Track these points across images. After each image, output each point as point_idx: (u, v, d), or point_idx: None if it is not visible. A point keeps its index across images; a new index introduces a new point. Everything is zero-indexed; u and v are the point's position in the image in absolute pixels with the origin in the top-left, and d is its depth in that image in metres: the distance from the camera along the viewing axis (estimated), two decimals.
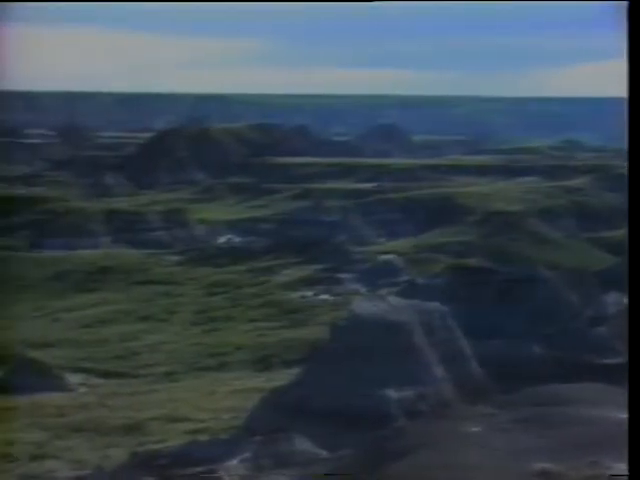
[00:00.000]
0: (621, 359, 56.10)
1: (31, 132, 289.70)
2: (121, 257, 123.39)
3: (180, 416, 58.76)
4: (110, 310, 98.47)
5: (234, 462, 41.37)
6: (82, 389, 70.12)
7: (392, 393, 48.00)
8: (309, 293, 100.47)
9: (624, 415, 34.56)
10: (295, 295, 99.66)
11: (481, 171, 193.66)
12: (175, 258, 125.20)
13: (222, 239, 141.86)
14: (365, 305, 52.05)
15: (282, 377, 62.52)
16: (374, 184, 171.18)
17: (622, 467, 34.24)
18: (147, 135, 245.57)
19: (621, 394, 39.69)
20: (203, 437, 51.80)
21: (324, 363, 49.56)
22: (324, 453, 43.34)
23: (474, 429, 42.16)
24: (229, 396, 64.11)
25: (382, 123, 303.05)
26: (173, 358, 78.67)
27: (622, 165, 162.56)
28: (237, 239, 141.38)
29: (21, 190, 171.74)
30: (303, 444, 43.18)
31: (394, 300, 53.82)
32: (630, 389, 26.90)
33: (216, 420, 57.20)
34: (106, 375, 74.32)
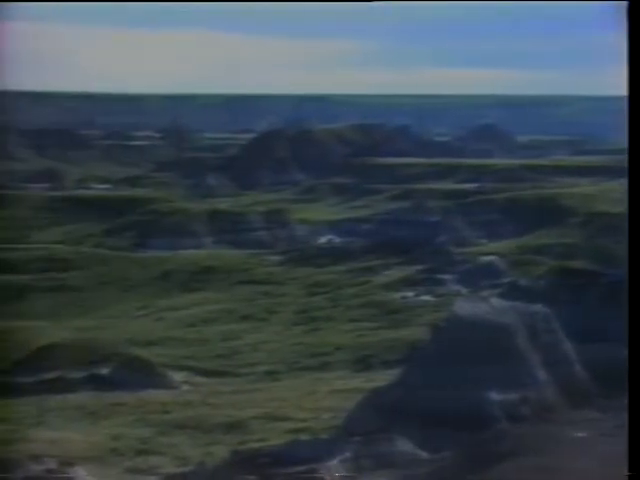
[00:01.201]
0: None
1: (137, 134, 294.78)
2: (223, 257, 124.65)
3: (281, 415, 59.12)
4: (212, 309, 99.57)
5: (334, 462, 41.47)
6: (185, 387, 71.07)
7: (494, 395, 47.55)
8: (410, 294, 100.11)
9: None
10: (396, 296, 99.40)
11: (585, 172, 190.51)
12: (276, 258, 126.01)
13: (323, 239, 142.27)
14: (466, 306, 51.67)
15: (382, 377, 62.43)
16: (476, 185, 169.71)
17: None
18: (249, 136, 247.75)
19: None
20: (304, 436, 52.04)
21: (425, 364, 49.35)
22: (425, 454, 43.14)
23: (579, 434, 41.51)
24: (329, 396, 64.24)
25: (483, 123, 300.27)
26: (274, 357, 79.18)
27: None
28: (338, 239, 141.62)
29: (127, 191, 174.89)
30: (404, 445, 43.06)
31: (496, 302, 53.31)
32: (630, 389, 26.65)
33: (316, 420, 57.39)
34: (208, 373, 75.18)
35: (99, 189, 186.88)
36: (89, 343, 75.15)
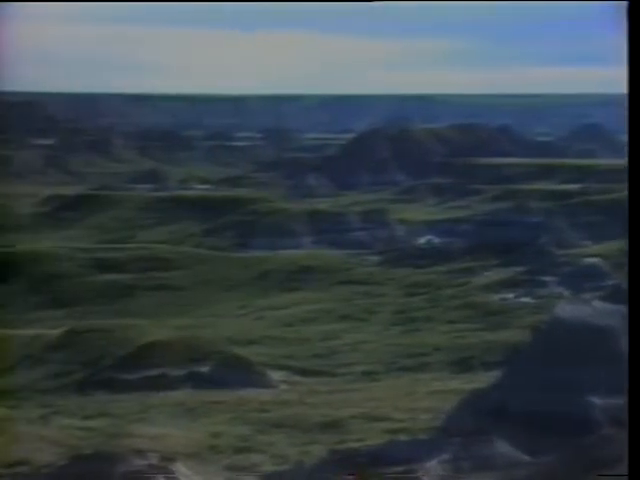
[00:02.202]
0: None
1: (239, 135, 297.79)
2: (323, 257, 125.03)
3: (379, 415, 59.02)
4: (311, 309, 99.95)
5: (433, 463, 41.25)
6: (283, 386, 71.46)
7: (596, 400, 46.73)
8: (510, 295, 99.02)
9: None
10: (495, 297, 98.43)
11: None
12: (375, 258, 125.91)
13: (422, 240, 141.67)
14: (568, 309, 50.87)
15: (481, 379, 61.90)
16: (579, 185, 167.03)
17: None
18: (349, 136, 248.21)
19: None
20: (402, 437, 51.87)
21: (525, 367, 48.73)
22: (525, 457, 42.62)
23: None
24: (428, 397, 63.94)
25: (586, 122, 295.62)
26: (372, 358, 79.11)
27: None
28: (437, 240, 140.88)
29: (228, 192, 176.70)
30: (503, 447, 42.59)
31: (599, 305, 52.38)
32: (630, 389, 26.60)
33: (415, 420, 57.16)
34: (306, 373, 75.46)
35: (200, 189, 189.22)
36: (190, 341, 76.09)
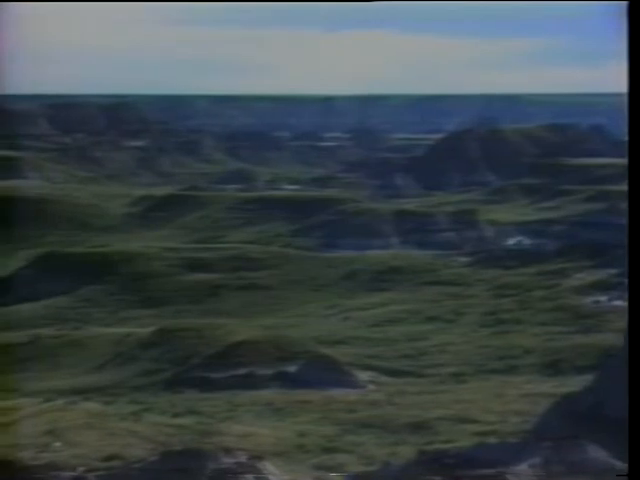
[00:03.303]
0: None
1: (326, 135, 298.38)
2: (410, 258, 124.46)
3: (468, 417, 58.48)
4: (398, 310, 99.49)
5: (523, 466, 40.64)
6: (371, 386, 71.23)
7: None
8: (602, 298, 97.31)
9: None
10: (587, 300, 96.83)
11: None
12: (464, 259, 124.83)
13: (512, 241, 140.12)
14: None
15: (573, 383, 60.91)
16: None
17: None
18: (438, 136, 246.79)
19: None
20: (491, 439, 51.27)
21: (618, 371, 47.75)
22: (619, 464, 41.76)
23: None
24: (518, 400, 63.15)
25: None
26: (460, 359, 78.42)
27: None
28: (527, 241, 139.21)
29: (315, 192, 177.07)
30: (596, 452, 41.80)
31: None
32: (630, 390, 26.43)
33: (504, 423, 56.50)
34: (394, 374, 75.12)
35: (289, 190, 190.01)
36: (277, 341, 76.34)
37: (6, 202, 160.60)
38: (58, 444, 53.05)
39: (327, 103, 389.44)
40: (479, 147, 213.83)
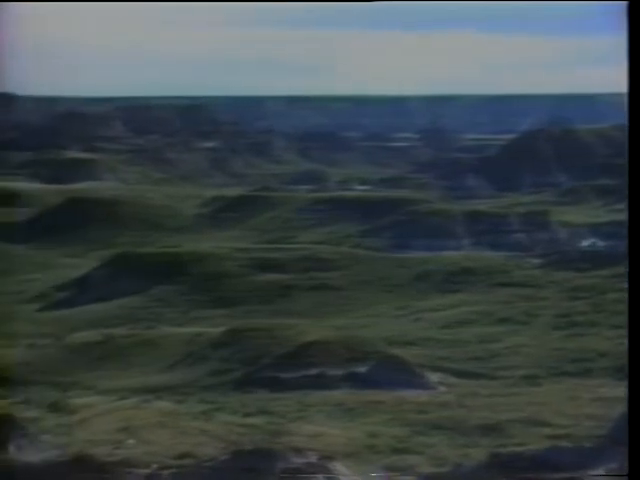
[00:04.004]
0: None
1: (397, 136, 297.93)
2: (482, 259, 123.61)
3: (540, 420, 57.90)
4: (470, 311, 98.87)
5: (599, 471, 40.11)
6: (441, 388, 70.90)
7: None
8: None
9: None
10: None
11: None
12: (536, 261, 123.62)
13: (585, 243, 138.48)
14: None
15: None
16: None
17: None
18: (510, 137, 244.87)
19: None
20: (565, 443, 50.69)
21: None
22: None
23: None
24: (592, 403, 62.38)
25: None
26: (533, 362, 77.67)
27: None
28: (601, 243, 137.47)
29: (386, 192, 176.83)
30: None
31: None
32: (630, 389, 26.35)
33: (578, 427, 55.84)
34: (465, 375, 74.67)
35: (359, 190, 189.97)
36: (348, 341, 76.34)
37: (81, 203, 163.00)
38: (132, 441, 53.68)
39: (399, 103, 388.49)
40: (552, 147, 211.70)
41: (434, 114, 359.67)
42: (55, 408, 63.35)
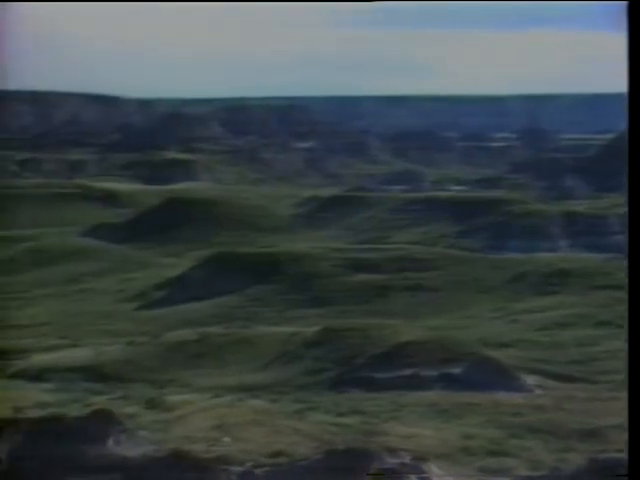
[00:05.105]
0: None
1: (495, 136, 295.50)
2: (579, 261, 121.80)
3: None
4: (567, 314, 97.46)
5: None
6: (538, 391, 70.02)
7: None
8: None
9: None
10: None
11: None
12: None
13: None
14: None
15: None
16: None
17: None
18: (609, 136, 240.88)
19: None
20: None
21: None
22: None
23: None
24: None
25: None
26: None
27: None
28: None
29: (482, 193, 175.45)
30: None
31: None
32: (630, 389, 26.61)
33: None
34: (562, 379, 73.61)
35: (455, 190, 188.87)
36: (443, 342, 75.92)
37: (179, 204, 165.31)
38: (227, 439, 54.19)
39: (496, 103, 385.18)
40: None
41: (532, 113, 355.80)
42: (152, 405, 64.29)
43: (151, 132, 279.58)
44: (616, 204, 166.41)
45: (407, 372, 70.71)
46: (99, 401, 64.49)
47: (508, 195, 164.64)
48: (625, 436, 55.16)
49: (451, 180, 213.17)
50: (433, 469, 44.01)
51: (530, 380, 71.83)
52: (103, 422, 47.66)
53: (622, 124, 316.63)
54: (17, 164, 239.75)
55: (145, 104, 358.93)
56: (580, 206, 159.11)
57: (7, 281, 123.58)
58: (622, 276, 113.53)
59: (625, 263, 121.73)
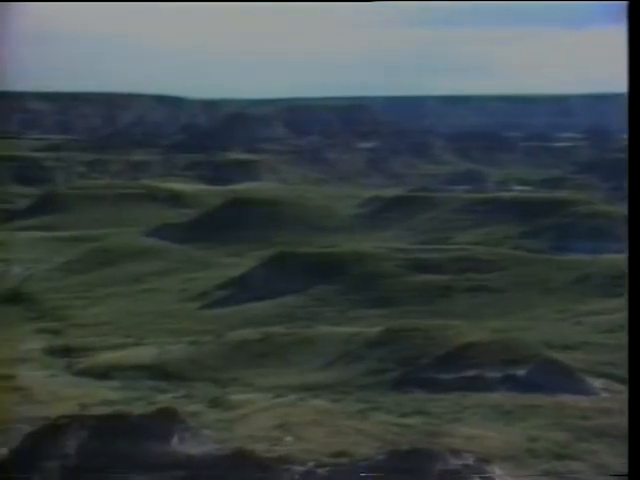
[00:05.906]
0: None
1: (560, 136, 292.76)
2: None
3: None
4: None
5: None
6: (604, 394, 69.13)
7: None
8: None
9: None
10: None
11: None
12: None
13: None
14: None
15: None
16: None
17: None
18: None
19: None
20: None
21: None
22: None
23: None
24: None
25: None
26: None
27: None
28: None
29: (547, 193, 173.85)
30: None
31: None
32: (630, 388, 26.24)
33: None
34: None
35: (518, 191, 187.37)
36: (506, 344, 75.30)
37: (242, 204, 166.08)
38: (289, 438, 54.28)
39: (561, 102, 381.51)
40: None
41: (598, 113, 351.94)
42: (215, 404, 64.63)
43: (215, 133, 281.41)
44: None
45: (470, 373, 70.24)
46: (163, 399, 64.99)
47: (573, 195, 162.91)
48: None
49: (515, 180, 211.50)
50: (497, 471, 43.64)
51: (596, 383, 70.92)
52: (167, 420, 48.00)
53: None
54: (84, 165, 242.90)
55: (209, 105, 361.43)
56: None
57: (73, 281, 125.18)
58: None
59: None
